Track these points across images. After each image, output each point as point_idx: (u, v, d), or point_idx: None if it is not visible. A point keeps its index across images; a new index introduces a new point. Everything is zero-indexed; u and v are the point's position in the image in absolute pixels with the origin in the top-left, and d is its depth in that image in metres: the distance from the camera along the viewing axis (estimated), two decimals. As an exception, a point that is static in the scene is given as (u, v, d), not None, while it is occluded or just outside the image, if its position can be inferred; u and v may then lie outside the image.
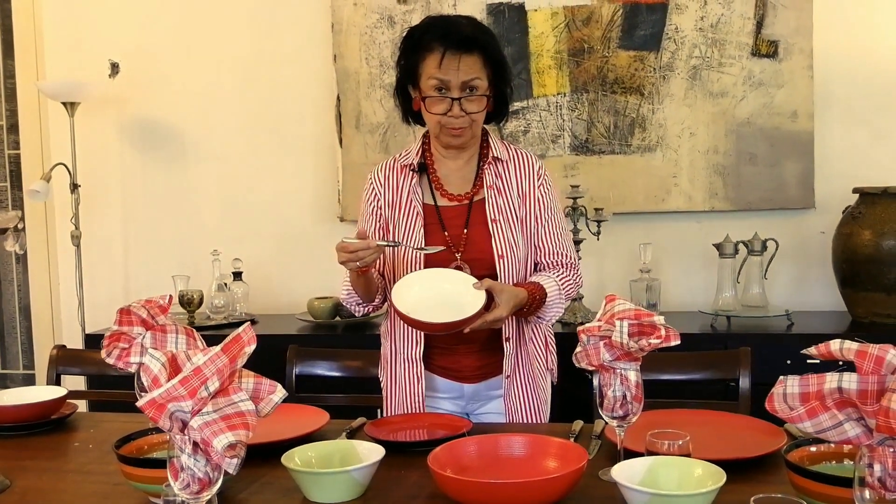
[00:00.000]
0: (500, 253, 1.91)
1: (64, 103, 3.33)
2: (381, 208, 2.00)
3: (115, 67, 3.50)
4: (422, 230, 1.93)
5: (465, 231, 1.93)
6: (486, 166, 1.97)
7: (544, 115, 3.16)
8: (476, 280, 1.80)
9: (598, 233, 2.96)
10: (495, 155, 1.97)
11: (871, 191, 2.75)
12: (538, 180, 1.98)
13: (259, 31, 3.42)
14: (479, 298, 1.76)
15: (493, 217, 1.93)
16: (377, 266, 1.97)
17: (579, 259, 2.93)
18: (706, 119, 3.06)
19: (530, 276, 1.98)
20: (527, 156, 2.01)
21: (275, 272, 3.44)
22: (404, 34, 1.95)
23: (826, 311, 3.01)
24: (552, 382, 2.08)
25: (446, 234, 1.93)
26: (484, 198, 1.95)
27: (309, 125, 3.41)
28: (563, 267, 1.99)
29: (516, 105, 3.17)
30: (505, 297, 1.79)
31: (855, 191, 2.81)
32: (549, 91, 3.16)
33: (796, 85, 2.99)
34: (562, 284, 1.94)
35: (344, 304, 2.03)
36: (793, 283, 3.09)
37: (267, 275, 3.43)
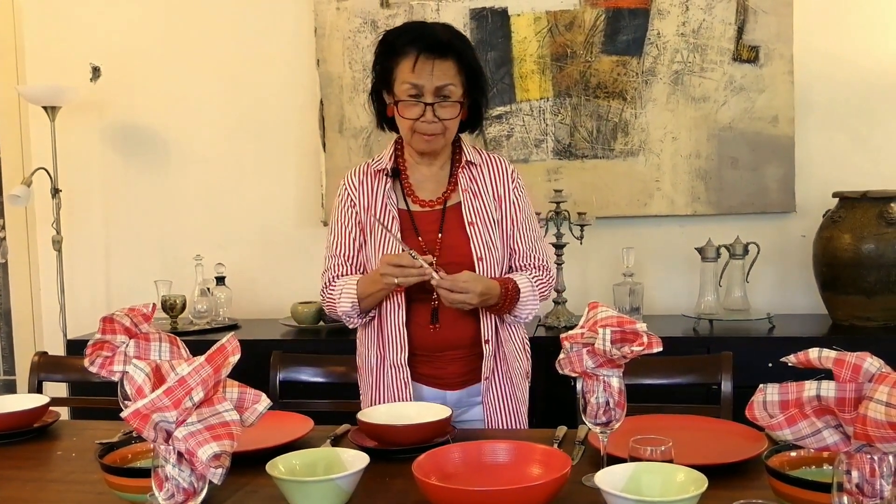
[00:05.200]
0: (479, 255, 1.92)
1: (45, 107, 3.31)
2: (357, 213, 1.98)
3: (96, 71, 3.48)
4: (398, 235, 1.93)
5: (440, 236, 1.93)
6: (461, 170, 1.98)
7: (527, 120, 3.17)
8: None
9: (582, 237, 2.97)
10: (469, 159, 1.98)
11: (851, 195, 2.78)
12: (512, 184, 2.00)
13: (242, 35, 3.41)
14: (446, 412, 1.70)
15: (470, 220, 1.94)
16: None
17: (563, 263, 2.99)
18: (688, 124, 3.09)
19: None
20: (499, 160, 2.02)
21: (258, 277, 3.43)
22: (379, 38, 1.95)
23: (807, 315, 3.04)
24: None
25: (420, 239, 1.93)
26: (458, 202, 1.96)
27: (292, 129, 3.40)
28: (535, 268, 2.00)
29: (499, 109, 3.18)
30: (472, 275, 1.82)
31: (835, 195, 2.84)
32: (532, 96, 3.17)
33: (777, 90, 3.01)
34: (534, 282, 1.95)
35: (337, 315, 1.97)
36: (774, 286, 3.12)
37: (250, 279, 3.42)
